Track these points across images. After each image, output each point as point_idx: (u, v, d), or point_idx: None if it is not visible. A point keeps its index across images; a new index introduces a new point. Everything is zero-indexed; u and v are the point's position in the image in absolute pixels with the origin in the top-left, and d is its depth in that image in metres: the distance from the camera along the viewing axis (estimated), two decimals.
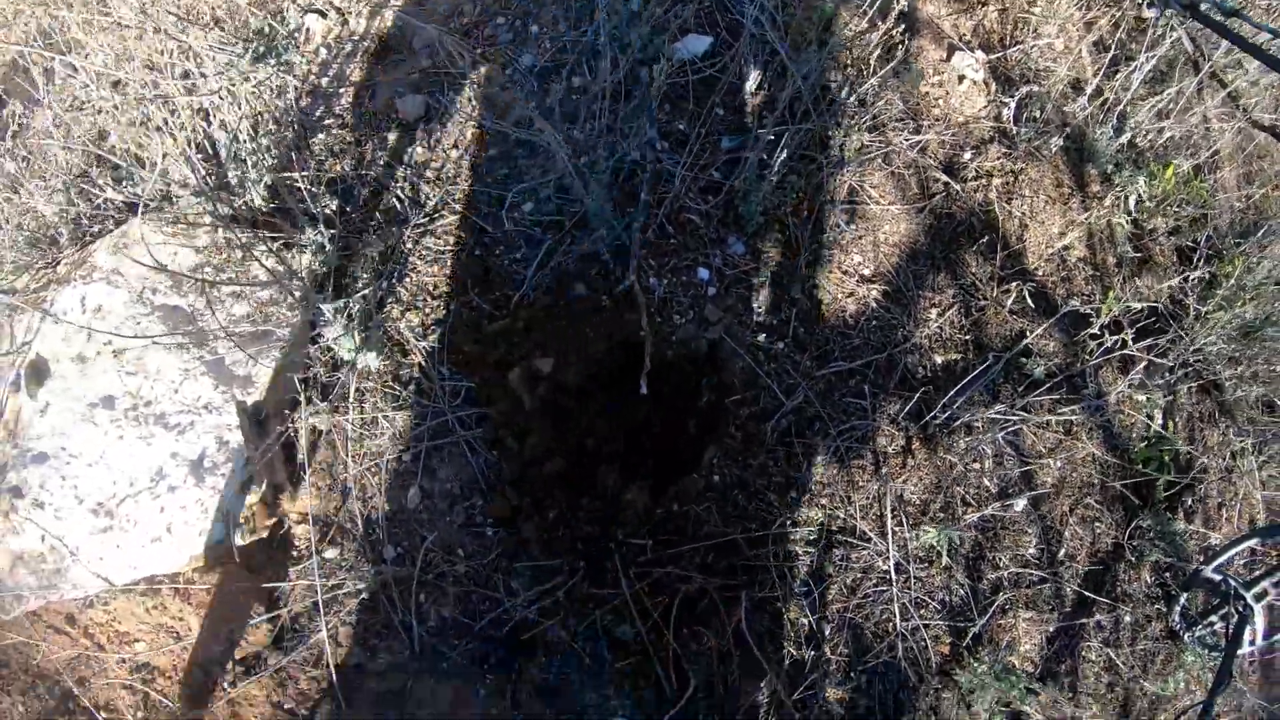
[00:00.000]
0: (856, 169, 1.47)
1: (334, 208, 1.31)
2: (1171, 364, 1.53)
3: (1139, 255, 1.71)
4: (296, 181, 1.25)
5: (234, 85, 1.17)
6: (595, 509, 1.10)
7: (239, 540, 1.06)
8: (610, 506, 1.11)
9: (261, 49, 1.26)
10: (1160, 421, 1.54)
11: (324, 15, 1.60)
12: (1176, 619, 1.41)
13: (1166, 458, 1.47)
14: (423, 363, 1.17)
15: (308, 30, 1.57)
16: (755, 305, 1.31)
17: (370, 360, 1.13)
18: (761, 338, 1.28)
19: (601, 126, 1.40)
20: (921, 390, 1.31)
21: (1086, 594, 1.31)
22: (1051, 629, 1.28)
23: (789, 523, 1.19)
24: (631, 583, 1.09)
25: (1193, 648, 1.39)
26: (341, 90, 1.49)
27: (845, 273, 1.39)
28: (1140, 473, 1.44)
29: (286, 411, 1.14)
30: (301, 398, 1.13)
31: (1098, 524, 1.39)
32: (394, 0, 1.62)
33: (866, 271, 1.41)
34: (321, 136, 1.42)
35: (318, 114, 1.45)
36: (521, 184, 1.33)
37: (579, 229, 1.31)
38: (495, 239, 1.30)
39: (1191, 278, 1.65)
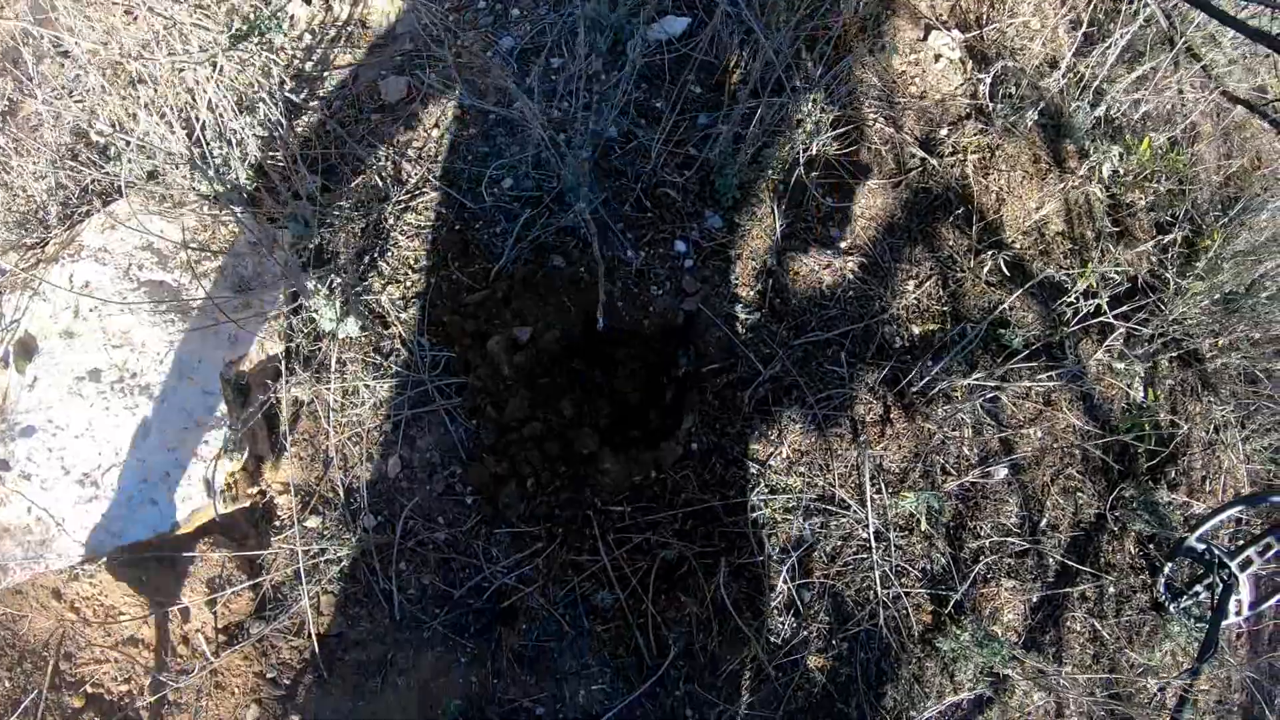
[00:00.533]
0: (833, 143, 1.48)
1: (317, 184, 1.33)
2: (1151, 334, 1.53)
3: (1118, 229, 1.72)
4: (280, 159, 1.27)
5: (218, 59, 1.19)
6: (573, 476, 1.11)
7: (221, 508, 1.06)
8: (588, 473, 1.11)
9: (245, 28, 1.28)
10: (1140, 392, 1.53)
11: (309, 1, 1.63)
12: (1161, 590, 1.40)
13: (1148, 427, 1.46)
14: (403, 334, 1.18)
15: (292, 17, 1.60)
16: (732, 277, 1.32)
17: (351, 329, 1.14)
18: (738, 308, 1.29)
19: (579, 105, 1.42)
20: (899, 360, 1.31)
21: (1070, 564, 1.30)
22: (1034, 599, 1.27)
23: (767, 489, 1.19)
24: (610, 549, 1.09)
25: (1178, 619, 1.37)
26: (325, 74, 1.51)
27: (822, 245, 1.40)
28: (1122, 443, 1.44)
29: (269, 382, 1.15)
30: (283, 368, 1.14)
31: (1080, 494, 1.39)
32: None
33: (843, 244, 1.42)
34: (305, 118, 1.44)
35: (302, 96, 1.48)
36: (501, 160, 1.35)
37: (557, 204, 1.32)
38: (475, 214, 1.31)
39: (1170, 249, 1.65)
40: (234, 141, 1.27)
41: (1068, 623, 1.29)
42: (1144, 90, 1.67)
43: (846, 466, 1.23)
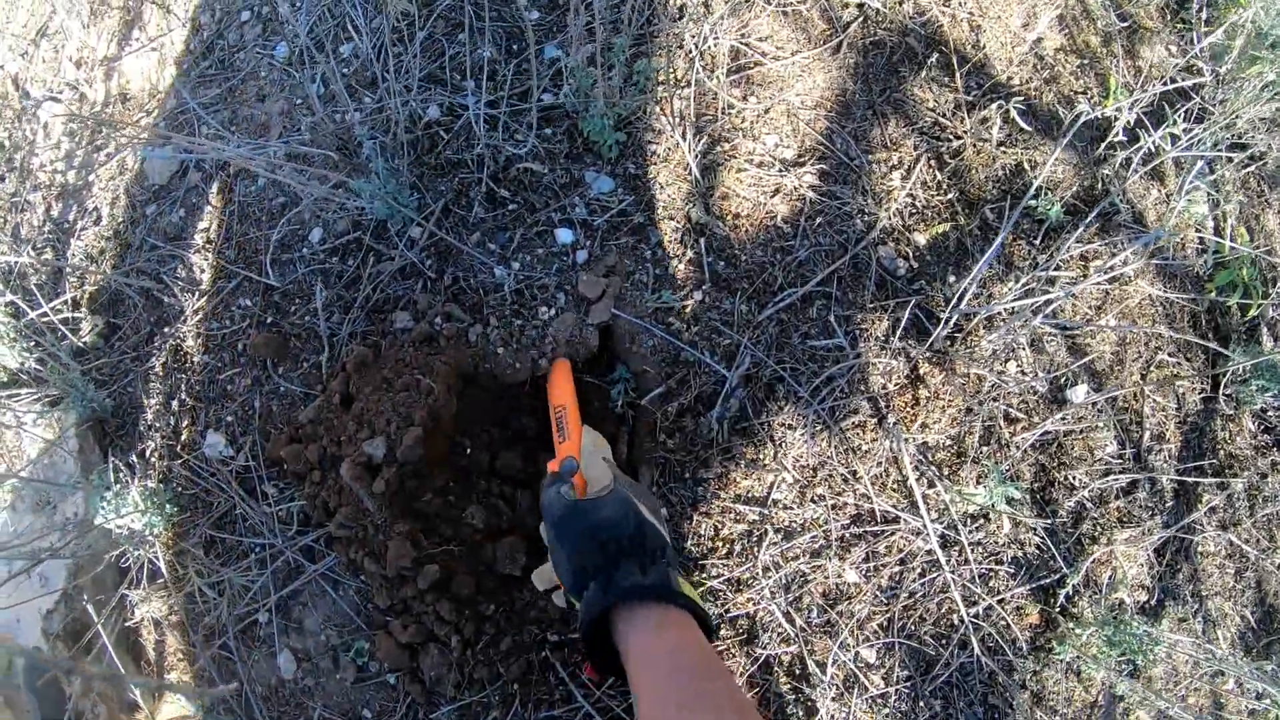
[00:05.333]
0: (732, 21, 0.73)
1: (100, 329, 0.71)
2: (1208, 145, 0.77)
3: (1126, 24, 0.90)
4: (48, 315, 0.65)
5: None
6: (507, 611, 0.54)
7: None
8: (527, 602, 0.55)
9: None
10: (1212, 224, 0.81)
11: (58, 99, 0.92)
12: None
13: (1243, 271, 0.76)
14: (239, 492, 0.60)
15: (46, 125, 0.90)
16: (648, 253, 0.64)
17: (158, 523, 0.56)
18: (668, 295, 0.58)
19: (383, 91, 0.71)
20: (913, 292, 0.65)
21: (1188, 479, 0.68)
22: (1156, 538, 0.67)
23: (781, 536, 0.59)
24: (589, 689, 0.55)
25: None
26: (92, 178, 0.83)
27: (760, 165, 0.62)
28: (1214, 302, 0.75)
29: (110, 611, 0.60)
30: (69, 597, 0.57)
31: (1179, 382, 0.73)
32: (128, 48, 0.91)
33: (788, 154, 0.63)
34: (77, 242, 0.79)
35: (71, 217, 0.82)
36: (296, 208, 0.68)
37: (380, 240, 0.66)
38: (286, 293, 0.66)
39: (1194, 29, 0.85)
40: None
41: (1199, 546, 0.70)
42: None
43: (880, 464, 0.57)
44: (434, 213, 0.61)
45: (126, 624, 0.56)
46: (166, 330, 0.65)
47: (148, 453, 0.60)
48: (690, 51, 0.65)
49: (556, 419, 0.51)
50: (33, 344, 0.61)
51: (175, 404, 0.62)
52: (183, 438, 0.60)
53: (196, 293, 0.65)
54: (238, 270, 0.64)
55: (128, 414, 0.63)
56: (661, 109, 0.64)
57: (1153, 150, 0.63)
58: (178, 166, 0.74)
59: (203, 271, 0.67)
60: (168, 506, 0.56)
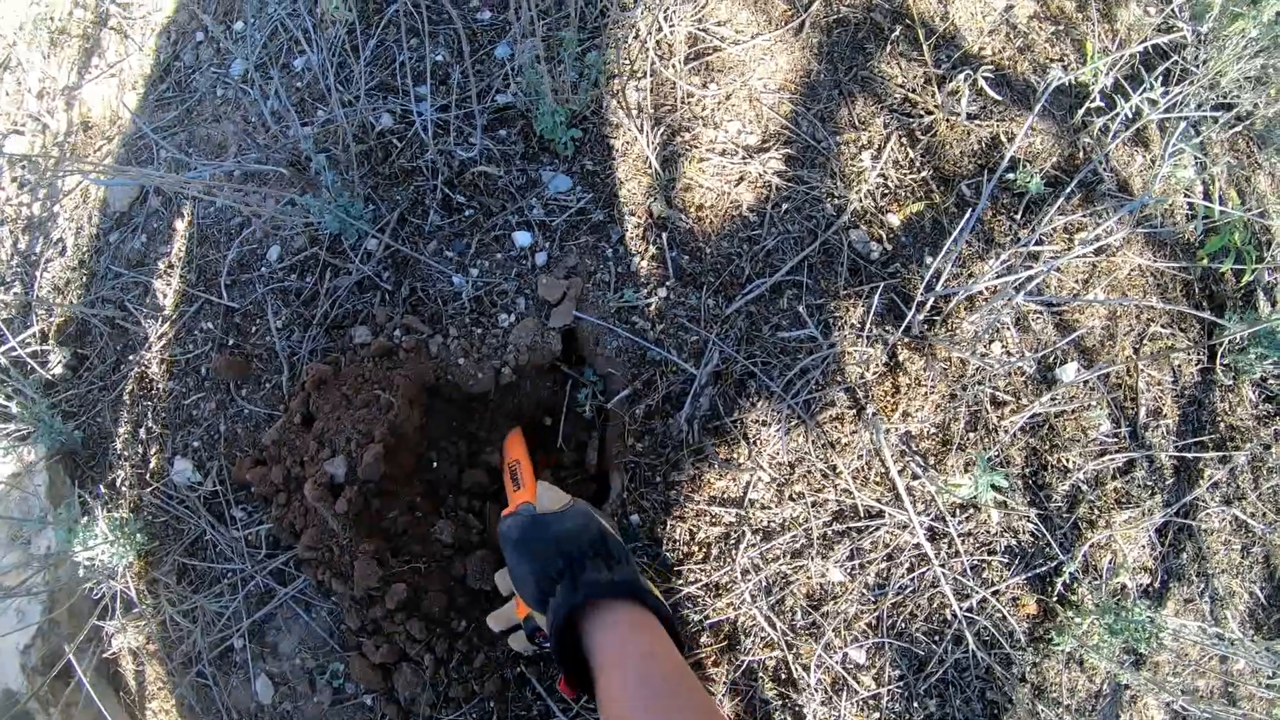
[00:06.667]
0: (688, 6, 0.68)
1: (67, 360, 0.69)
2: (1192, 106, 0.72)
3: None
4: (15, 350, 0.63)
5: None
6: (481, 630, 0.51)
7: None
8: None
9: None
10: (1201, 188, 0.76)
11: (22, 132, 0.90)
12: None
13: (1235, 236, 0.71)
14: (208, 518, 0.58)
15: (9, 158, 0.88)
16: (609, 251, 0.58)
17: (128, 553, 0.54)
18: (631, 293, 0.55)
19: (335, 101, 0.68)
20: (888, 275, 0.61)
21: (1187, 455, 0.64)
22: (1157, 518, 0.63)
23: (759, 537, 0.54)
24: (566, 705, 0.52)
25: None
26: (56, 208, 0.81)
27: (723, 153, 0.58)
28: (1207, 269, 0.70)
29: (86, 643, 0.59)
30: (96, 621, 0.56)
31: (1174, 354, 0.68)
32: (88, 76, 0.88)
33: (752, 140, 0.59)
34: (44, 274, 0.77)
35: (38, 249, 0.80)
36: (249, 227, 0.66)
37: (336, 254, 0.63)
38: (247, 313, 0.63)
39: None
40: None
41: (1202, 523, 0.66)
42: None
43: (861, 457, 0.52)
44: (389, 223, 0.58)
45: (105, 655, 0.54)
46: (132, 358, 0.63)
47: (118, 482, 0.58)
48: (645, 40, 0.61)
49: (511, 472, 0.49)
50: None
51: (143, 432, 0.59)
52: (151, 465, 0.58)
53: (160, 318, 0.63)
54: (198, 294, 0.62)
55: (97, 444, 0.61)
56: (618, 102, 0.61)
57: (1132, 114, 0.58)
58: (137, 192, 0.72)
59: (165, 296, 0.64)
60: (138, 536, 0.54)
